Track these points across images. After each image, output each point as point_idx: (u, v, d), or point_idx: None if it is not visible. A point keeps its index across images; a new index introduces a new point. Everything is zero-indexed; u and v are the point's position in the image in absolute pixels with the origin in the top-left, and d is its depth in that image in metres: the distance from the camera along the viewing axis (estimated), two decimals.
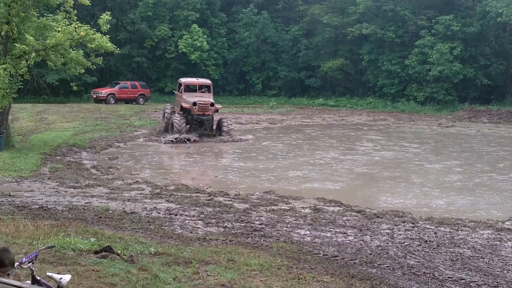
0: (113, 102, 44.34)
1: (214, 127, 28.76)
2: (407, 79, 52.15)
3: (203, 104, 27.34)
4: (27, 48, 20.38)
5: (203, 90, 29.35)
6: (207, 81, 30.95)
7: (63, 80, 42.90)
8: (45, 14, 24.27)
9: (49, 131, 26.83)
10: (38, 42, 20.90)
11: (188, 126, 27.66)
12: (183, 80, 30.01)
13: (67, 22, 21.93)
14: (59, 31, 21.16)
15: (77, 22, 21.86)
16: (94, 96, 45.03)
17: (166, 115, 28.92)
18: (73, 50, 22.67)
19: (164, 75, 55.67)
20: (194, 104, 27.20)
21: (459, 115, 44.15)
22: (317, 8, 55.10)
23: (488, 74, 50.75)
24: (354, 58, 55.01)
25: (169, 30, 53.17)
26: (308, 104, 53.33)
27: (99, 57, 24.05)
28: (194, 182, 17.52)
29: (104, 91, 45.03)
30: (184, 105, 27.59)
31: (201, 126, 28.14)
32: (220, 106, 30.32)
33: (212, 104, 27.80)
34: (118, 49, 24.96)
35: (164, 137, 27.00)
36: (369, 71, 54.49)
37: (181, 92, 28.75)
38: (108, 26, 22.98)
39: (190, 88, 29.56)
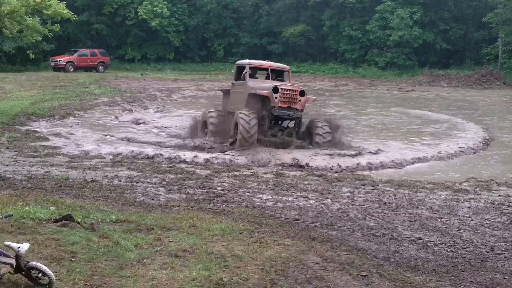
0: (72, 70, 43.55)
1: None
2: (368, 45, 52.50)
3: (289, 91, 17.01)
4: None
5: (276, 77, 19.00)
6: (283, 65, 19.85)
7: (20, 48, 41.83)
8: None
9: (6, 100, 26.20)
10: None
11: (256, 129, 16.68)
12: (247, 61, 19.52)
13: None
14: None
15: None
16: (53, 64, 44.14)
17: (211, 121, 18.69)
18: (29, 17, 22.09)
19: (124, 42, 54.80)
20: (275, 90, 16.80)
21: (419, 80, 44.72)
22: None
23: (448, 39, 51.36)
24: (315, 24, 54.97)
25: None
26: None
27: (56, 24, 23.54)
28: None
29: (62, 59, 44.17)
30: (259, 92, 17.27)
31: (282, 129, 17.91)
32: (314, 98, 18.95)
33: (302, 93, 17.19)
34: (76, 15, 24.44)
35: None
36: (331, 36, 54.60)
37: (243, 79, 18.48)
38: None
39: (255, 74, 19.56)
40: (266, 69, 19.07)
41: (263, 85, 17.72)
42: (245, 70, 18.49)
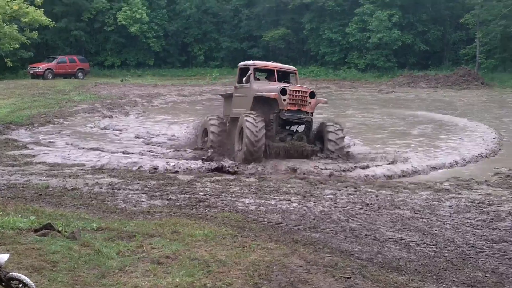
0: (51, 77, 43.20)
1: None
2: (348, 47, 52.72)
3: (298, 93, 15.81)
4: None
5: (281, 79, 17.40)
6: (289, 67, 18.50)
7: None
8: None
9: None
10: None
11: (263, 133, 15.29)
12: (251, 62, 18.01)
13: None
14: None
15: None
16: (31, 71, 43.77)
17: (212, 130, 17.32)
18: (7, 24, 21.93)
19: (103, 48, 54.49)
20: (283, 91, 15.63)
21: (398, 81, 44.97)
22: None
23: (426, 40, 51.75)
24: (295, 27, 55.08)
25: (107, 2, 51.94)
26: None
27: (34, 32, 23.38)
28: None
29: (41, 66, 43.83)
30: (265, 94, 16.00)
31: (291, 133, 16.56)
32: (325, 100, 18.47)
33: (312, 95, 16.06)
34: (54, 22, 24.33)
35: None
36: (311, 40, 54.76)
37: (247, 82, 17.17)
38: None
39: (260, 76, 18.19)
40: (272, 71, 17.59)
41: (269, 87, 16.42)
42: (249, 72, 17.17)
